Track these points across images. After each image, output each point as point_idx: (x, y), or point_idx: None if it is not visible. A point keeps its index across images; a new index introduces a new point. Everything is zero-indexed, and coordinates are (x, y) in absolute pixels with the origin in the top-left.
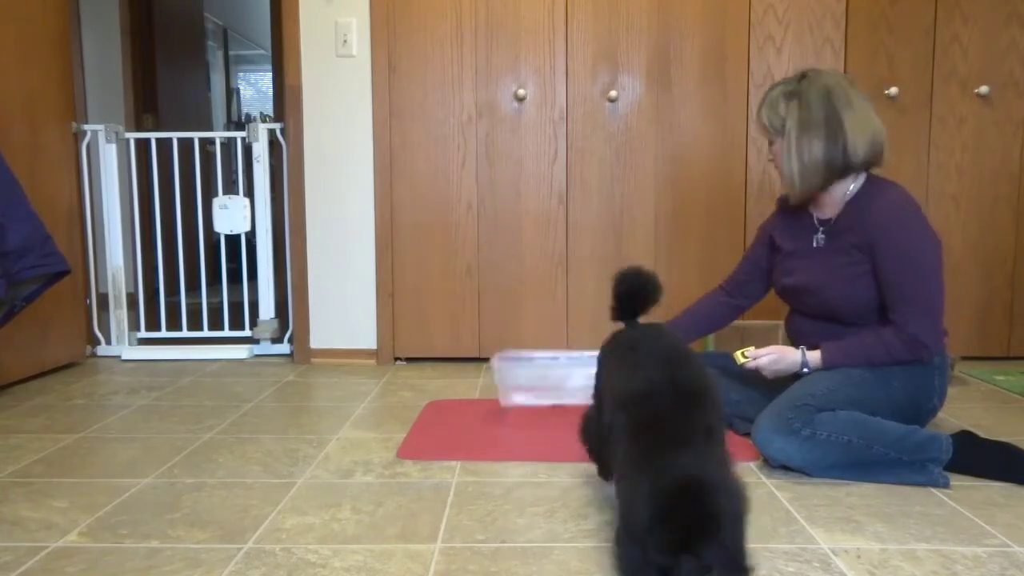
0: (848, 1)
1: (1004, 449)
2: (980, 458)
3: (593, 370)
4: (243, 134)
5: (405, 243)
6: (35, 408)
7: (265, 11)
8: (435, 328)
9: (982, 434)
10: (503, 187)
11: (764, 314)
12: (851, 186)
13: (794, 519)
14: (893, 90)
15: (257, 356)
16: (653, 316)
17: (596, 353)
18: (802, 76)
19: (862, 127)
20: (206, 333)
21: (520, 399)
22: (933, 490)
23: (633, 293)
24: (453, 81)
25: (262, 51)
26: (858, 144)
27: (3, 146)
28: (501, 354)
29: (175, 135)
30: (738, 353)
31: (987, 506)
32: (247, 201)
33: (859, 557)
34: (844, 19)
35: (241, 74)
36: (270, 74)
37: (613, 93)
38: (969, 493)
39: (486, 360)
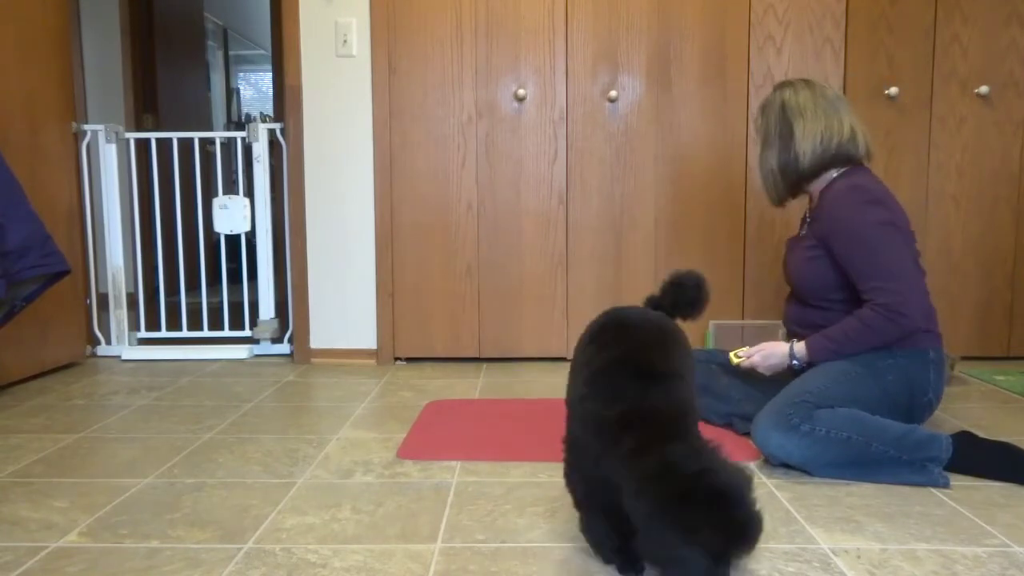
0: (848, 1)
1: (1004, 449)
2: (980, 458)
3: None
4: (243, 134)
5: (405, 243)
6: (35, 408)
7: (265, 11)
8: (435, 328)
9: (982, 434)
10: (503, 187)
11: (764, 314)
12: (831, 179)
13: (794, 519)
14: (893, 90)
15: (257, 356)
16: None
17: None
18: (774, 89)
19: (811, 132)
20: (206, 333)
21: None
22: (933, 490)
23: (689, 295)
24: (453, 81)
25: (262, 51)
26: (806, 150)
27: (3, 146)
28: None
29: (175, 135)
30: (731, 354)
31: (987, 506)
32: (247, 201)
33: (859, 557)
34: (844, 19)
35: (241, 74)
36: (270, 74)
37: (613, 93)
38: (969, 493)
39: (486, 360)
